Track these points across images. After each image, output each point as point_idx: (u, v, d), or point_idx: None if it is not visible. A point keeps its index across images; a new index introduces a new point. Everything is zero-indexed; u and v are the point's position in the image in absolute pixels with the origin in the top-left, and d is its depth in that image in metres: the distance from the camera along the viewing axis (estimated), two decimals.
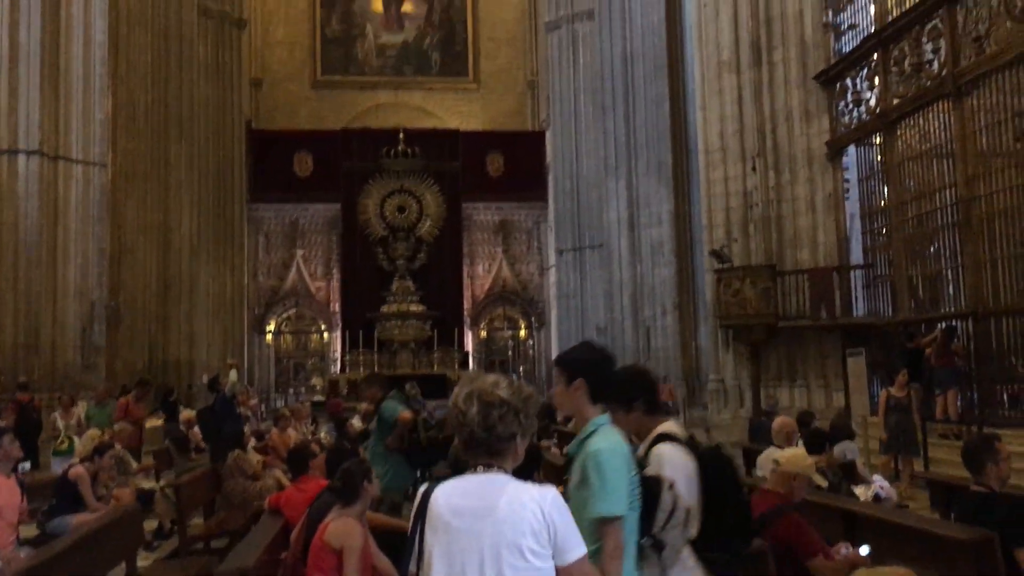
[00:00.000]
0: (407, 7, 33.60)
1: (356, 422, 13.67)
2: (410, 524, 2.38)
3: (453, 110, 33.06)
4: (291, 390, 29.31)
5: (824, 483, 6.13)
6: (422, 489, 2.40)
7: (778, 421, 7.69)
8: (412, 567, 2.36)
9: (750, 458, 10.67)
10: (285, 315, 31.20)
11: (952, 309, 12.54)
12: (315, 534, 4.52)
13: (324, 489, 5.30)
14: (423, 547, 2.31)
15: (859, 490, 7.35)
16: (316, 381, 29.16)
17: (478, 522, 2.23)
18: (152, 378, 18.66)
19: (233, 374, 19.79)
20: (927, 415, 11.59)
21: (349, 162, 30.09)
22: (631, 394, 3.35)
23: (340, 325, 30.08)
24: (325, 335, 31.08)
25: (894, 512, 6.37)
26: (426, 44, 33.71)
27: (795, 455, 5.13)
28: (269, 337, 30.70)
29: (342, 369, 28.15)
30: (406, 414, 7.39)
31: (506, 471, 2.32)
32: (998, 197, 11.20)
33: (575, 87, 26.70)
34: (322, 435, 13.17)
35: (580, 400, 2.87)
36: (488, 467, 2.32)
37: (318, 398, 24.34)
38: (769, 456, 5.56)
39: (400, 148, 29.63)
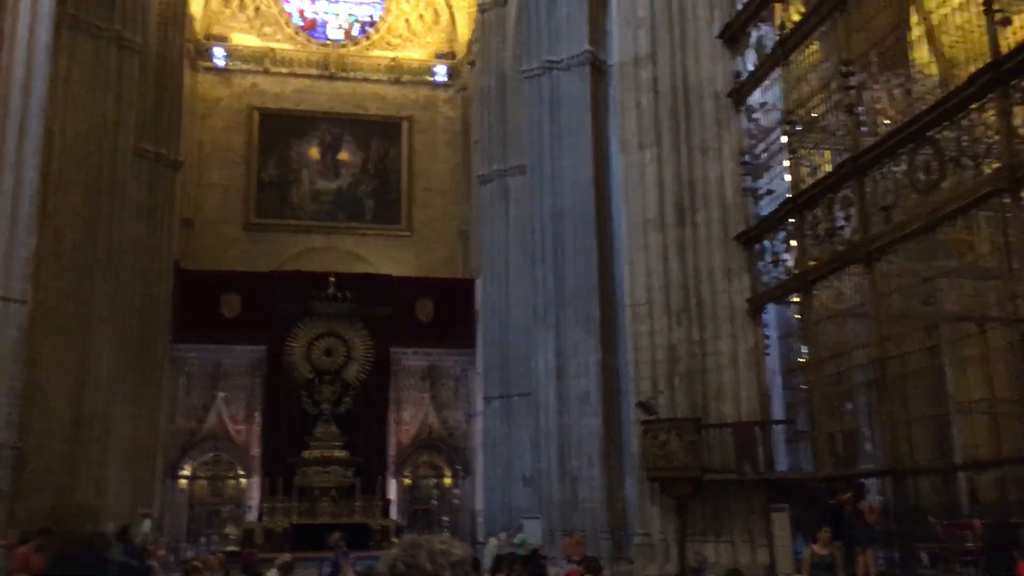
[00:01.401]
0: (343, 155, 34.45)
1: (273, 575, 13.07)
2: None
3: (385, 256, 33.44)
4: (203, 539, 27.94)
5: None
6: None
7: None
8: None
9: None
10: (202, 459, 30.18)
11: (872, 466, 12.77)
12: None
13: None
14: None
15: None
16: (230, 530, 27.90)
17: None
18: (56, 525, 17.67)
19: (147, 524, 18.89)
20: (850, 573, 11.61)
21: (278, 304, 29.89)
22: None
23: (259, 470, 29.12)
24: (243, 480, 30.06)
25: None
26: (360, 191, 34.42)
27: None
28: (183, 482, 29.56)
29: (259, 517, 27.02)
30: None
31: None
32: (910, 358, 11.64)
33: (506, 238, 27.34)
34: None
35: None
36: None
37: (232, 548, 23.26)
38: None
39: (330, 292, 29.55)
